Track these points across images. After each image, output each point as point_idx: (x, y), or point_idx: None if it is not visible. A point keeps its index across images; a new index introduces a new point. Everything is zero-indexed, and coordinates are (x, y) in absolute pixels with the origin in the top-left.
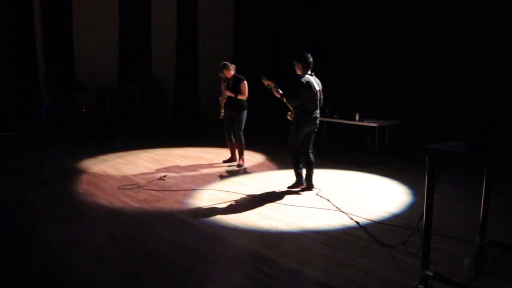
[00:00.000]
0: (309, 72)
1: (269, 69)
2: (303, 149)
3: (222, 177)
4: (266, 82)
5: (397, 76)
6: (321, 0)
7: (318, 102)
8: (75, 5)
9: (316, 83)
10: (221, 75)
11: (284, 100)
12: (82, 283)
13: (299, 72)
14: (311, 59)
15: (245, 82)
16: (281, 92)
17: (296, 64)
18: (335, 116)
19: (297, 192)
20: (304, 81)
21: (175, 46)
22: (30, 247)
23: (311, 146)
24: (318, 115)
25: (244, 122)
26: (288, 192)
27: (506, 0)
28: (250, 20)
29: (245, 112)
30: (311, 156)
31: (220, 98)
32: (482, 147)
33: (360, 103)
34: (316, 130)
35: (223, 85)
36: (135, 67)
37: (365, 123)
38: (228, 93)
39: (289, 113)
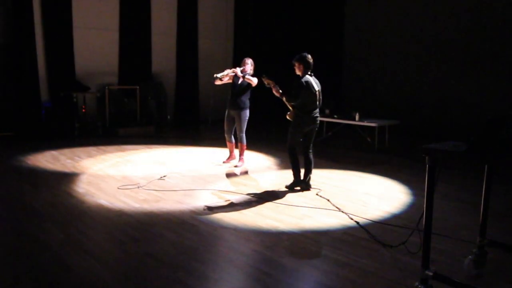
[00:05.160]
0: (309, 73)
1: (269, 68)
2: (303, 149)
3: (222, 177)
4: (266, 81)
5: (397, 76)
6: (321, 0)
7: (317, 103)
8: (75, 5)
9: (316, 84)
10: (242, 65)
11: (284, 99)
12: (82, 283)
13: (299, 73)
14: (311, 60)
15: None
16: (280, 91)
17: (296, 64)
18: (335, 116)
19: (297, 192)
20: (303, 81)
21: (175, 46)
22: (30, 247)
23: (311, 146)
24: (317, 115)
25: (246, 122)
26: (288, 192)
27: (506, 1)
28: (250, 20)
29: (247, 111)
30: (311, 156)
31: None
32: (482, 147)
33: (360, 103)
34: (316, 129)
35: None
36: (135, 67)
37: (365, 123)
38: (237, 71)
39: (288, 112)
